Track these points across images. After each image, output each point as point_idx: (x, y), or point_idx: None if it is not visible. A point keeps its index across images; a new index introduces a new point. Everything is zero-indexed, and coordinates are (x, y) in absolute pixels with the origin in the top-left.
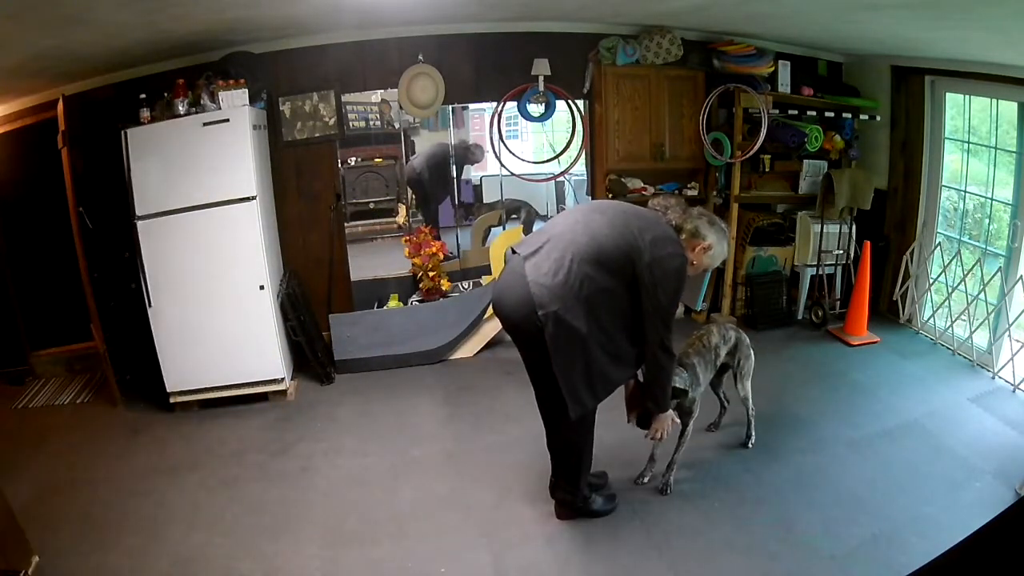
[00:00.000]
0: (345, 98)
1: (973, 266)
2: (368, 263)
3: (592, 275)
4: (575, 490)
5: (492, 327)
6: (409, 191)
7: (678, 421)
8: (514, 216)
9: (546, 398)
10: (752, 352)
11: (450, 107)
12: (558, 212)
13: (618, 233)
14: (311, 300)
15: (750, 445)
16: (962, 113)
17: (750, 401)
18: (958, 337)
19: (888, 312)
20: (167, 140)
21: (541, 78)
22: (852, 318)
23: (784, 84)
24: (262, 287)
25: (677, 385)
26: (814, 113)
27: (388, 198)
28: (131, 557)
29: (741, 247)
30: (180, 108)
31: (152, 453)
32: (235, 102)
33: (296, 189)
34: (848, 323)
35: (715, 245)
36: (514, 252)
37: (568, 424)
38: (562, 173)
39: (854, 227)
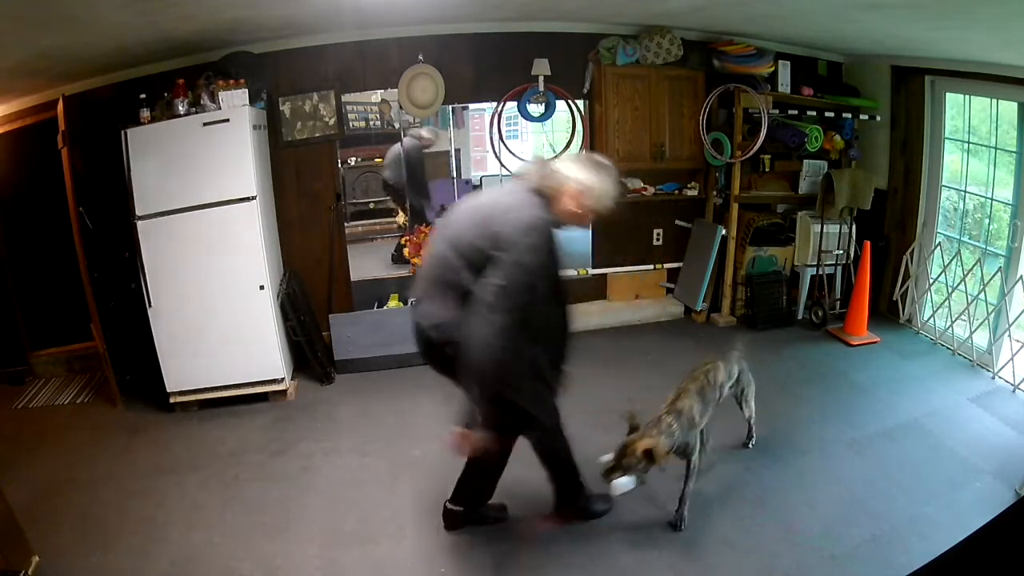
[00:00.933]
0: (345, 98)
1: (973, 266)
2: (368, 263)
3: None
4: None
5: None
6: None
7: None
8: None
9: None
10: (752, 375)
11: (450, 107)
12: None
13: (472, 247)
14: (311, 300)
15: (751, 445)
16: (962, 113)
17: (754, 418)
18: (958, 337)
19: (888, 312)
20: (167, 140)
21: (541, 78)
22: (852, 318)
23: (784, 84)
24: (262, 287)
25: (665, 447)
26: (814, 113)
27: (388, 198)
28: (131, 557)
29: (741, 247)
30: (180, 108)
31: (152, 453)
32: (235, 102)
33: (296, 189)
34: (848, 323)
35: (590, 183)
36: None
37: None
38: None
39: (854, 227)
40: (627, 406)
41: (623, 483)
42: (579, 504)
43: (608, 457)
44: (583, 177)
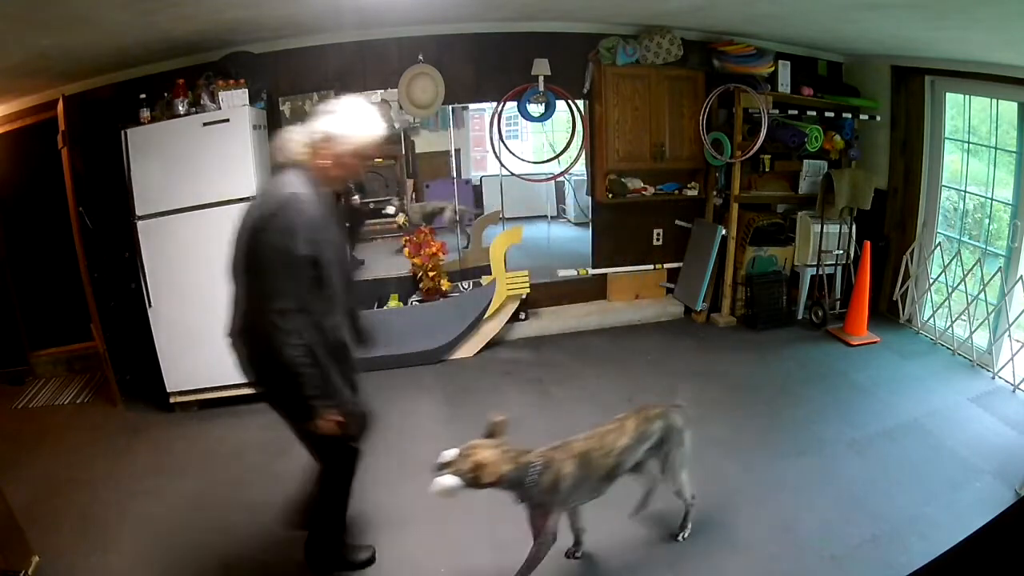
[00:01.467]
0: None
1: (973, 266)
2: (368, 263)
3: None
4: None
5: (492, 327)
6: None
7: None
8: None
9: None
10: (687, 437)
11: (450, 107)
12: (558, 212)
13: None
14: None
15: (681, 538)
16: (962, 113)
17: (686, 493)
18: (958, 337)
19: (888, 312)
20: (167, 140)
21: (541, 78)
22: (852, 318)
23: (784, 84)
24: None
25: (499, 474)
26: (814, 113)
27: (388, 198)
28: (131, 557)
29: (741, 247)
30: (180, 108)
31: (152, 453)
32: (235, 102)
33: None
34: (848, 323)
35: (335, 128)
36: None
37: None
38: (562, 173)
39: (854, 227)
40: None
41: (447, 482)
42: (333, 549)
43: (452, 452)
44: (324, 126)
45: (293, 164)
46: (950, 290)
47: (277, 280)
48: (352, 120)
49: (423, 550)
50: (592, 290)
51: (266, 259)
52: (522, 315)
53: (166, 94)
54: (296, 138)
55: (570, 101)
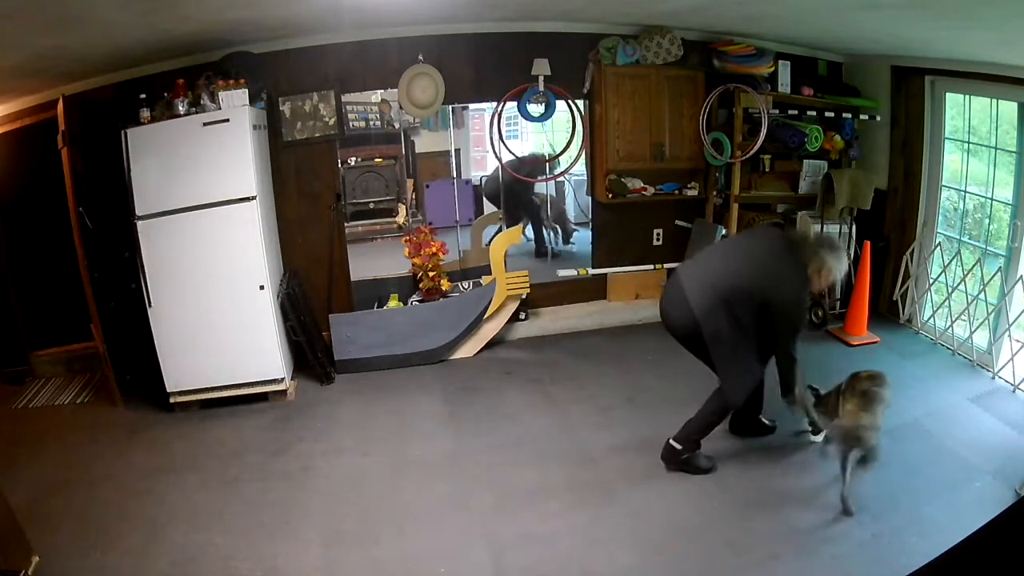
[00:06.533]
0: (345, 98)
1: (973, 266)
2: (368, 263)
3: (731, 300)
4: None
5: (492, 327)
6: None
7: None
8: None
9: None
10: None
11: (450, 107)
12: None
13: (753, 274)
14: (311, 300)
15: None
16: (962, 113)
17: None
18: (958, 337)
19: (888, 312)
20: (167, 140)
21: (541, 78)
22: (852, 318)
23: (784, 84)
24: (262, 287)
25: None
26: (814, 113)
27: (388, 198)
28: (131, 557)
29: None
30: (180, 108)
31: (152, 453)
32: (235, 102)
33: (296, 189)
34: (848, 323)
35: (835, 267)
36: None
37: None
38: (562, 173)
39: (854, 227)
40: (627, 405)
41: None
42: (697, 447)
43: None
44: (833, 264)
45: (805, 265)
46: (950, 290)
47: (793, 330)
48: (843, 264)
49: (423, 550)
50: (592, 290)
51: (785, 319)
52: (522, 315)
53: (166, 94)
54: (826, 257)
55: (570, 101)
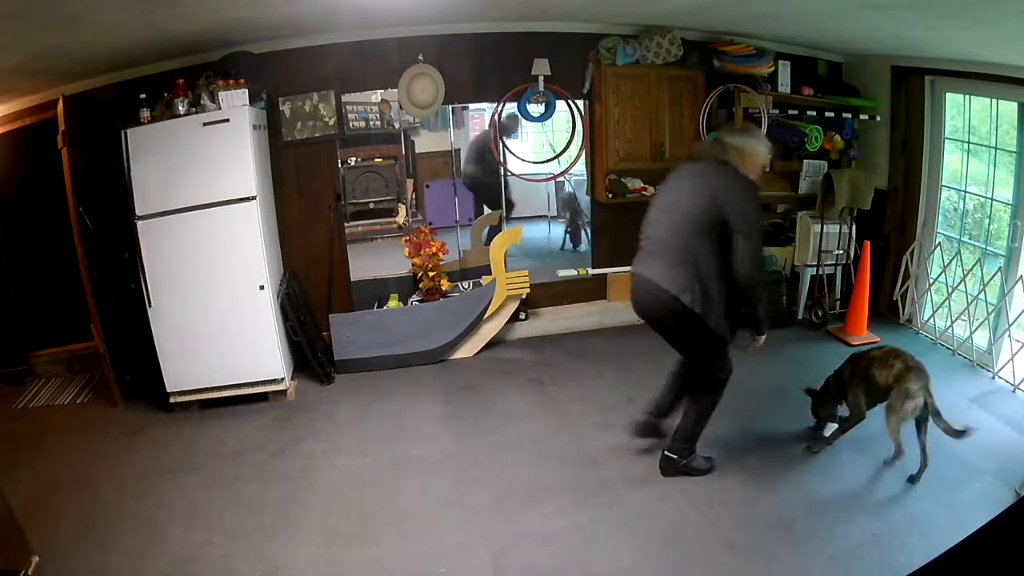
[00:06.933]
0: (345, 98)
1: (973, 266)
2: (368, 263)
3: (693, 242)
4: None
5: (492, 327)
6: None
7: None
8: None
9: (696, 357)
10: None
11: (450, 107)
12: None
13: (702, 199)
14: (311, 300)
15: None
16: (962, 113)
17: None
18: (958, 337)
19: (888, 312)
20: (167, 140)
21: (541, 78)
22: (852, 318)
23: (784, 84)
24: (262, 287)
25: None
26: (814, 113)
27: (388, 198)
28: (131, 557)
29: None
30: (180, 108)
31: (152, 453)
32: (235, 102)
33: (296, 189)
34: (848, 323)
35: (752, 147)
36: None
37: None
38: (562, 173)
39: (854, 227)
40: (627, 405)
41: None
42: (692, 451)
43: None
44: (755, 146)
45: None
46: (950, 290)
47: (752, 231)
48: (764, 145)
49: (423, 550)
50: (592, 290)
51: (743, 220)
52: (522, 315)
53: (166, 94)
54: (746, 143)
55: (570, 101)
